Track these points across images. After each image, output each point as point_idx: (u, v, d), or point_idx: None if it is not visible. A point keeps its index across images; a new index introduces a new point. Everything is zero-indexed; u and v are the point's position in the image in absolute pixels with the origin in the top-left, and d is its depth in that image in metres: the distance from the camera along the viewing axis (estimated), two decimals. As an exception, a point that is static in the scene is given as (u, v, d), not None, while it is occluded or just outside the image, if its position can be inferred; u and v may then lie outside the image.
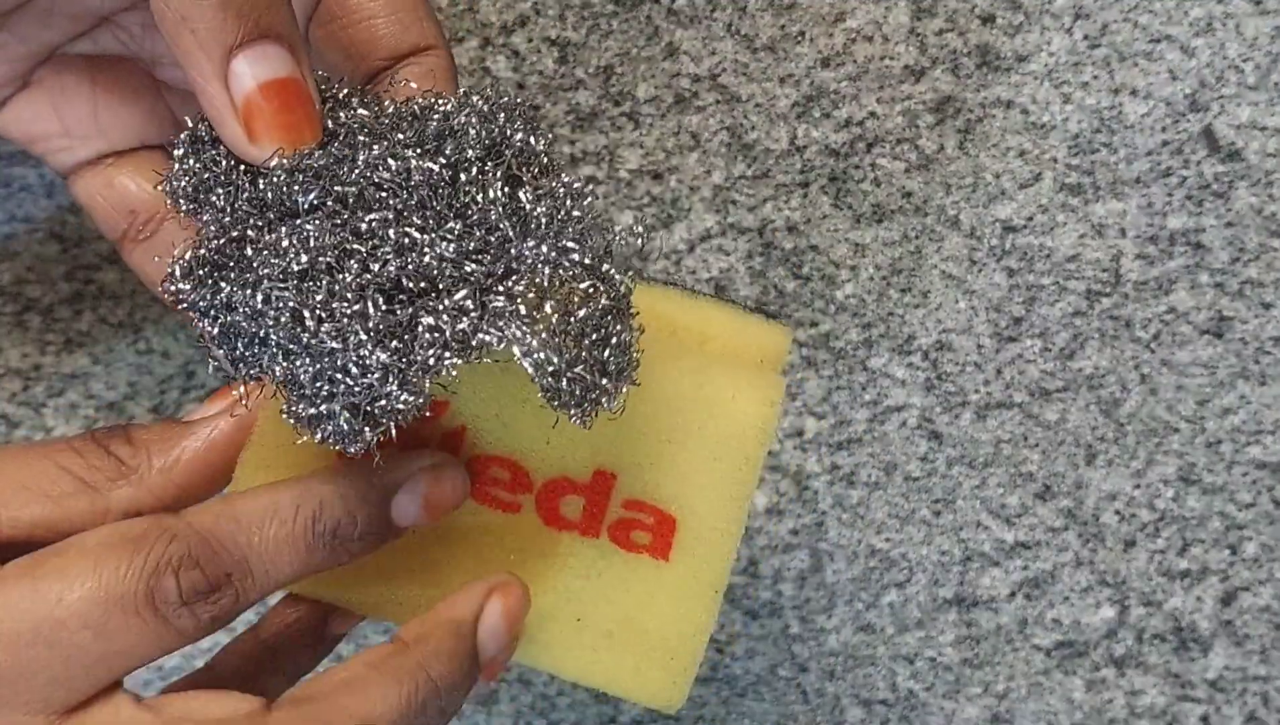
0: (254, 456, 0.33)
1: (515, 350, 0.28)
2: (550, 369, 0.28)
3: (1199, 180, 0.46)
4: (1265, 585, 0.50)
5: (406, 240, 0.29)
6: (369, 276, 0.28)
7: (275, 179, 0.29)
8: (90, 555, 0.28)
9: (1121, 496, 0.49)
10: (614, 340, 0.29)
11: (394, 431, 0.28)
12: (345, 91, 0.31)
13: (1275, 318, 0.47)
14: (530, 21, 0.45)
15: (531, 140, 0.30)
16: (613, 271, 0.30)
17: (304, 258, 0.28)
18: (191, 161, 0.30)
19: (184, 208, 0.30)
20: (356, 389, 0.28)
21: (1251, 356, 0.48)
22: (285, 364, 0.28)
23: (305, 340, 0.28)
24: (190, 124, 0.31)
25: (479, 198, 0.29)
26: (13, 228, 0.46)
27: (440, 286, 0.29)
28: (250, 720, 0.28)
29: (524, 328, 0.28)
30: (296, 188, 0.29)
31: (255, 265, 0.29)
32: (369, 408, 0.28)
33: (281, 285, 0.28)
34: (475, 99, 0.31)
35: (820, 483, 0.49)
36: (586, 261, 0.29)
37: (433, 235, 0.29)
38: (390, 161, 0.29)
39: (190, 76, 0.29)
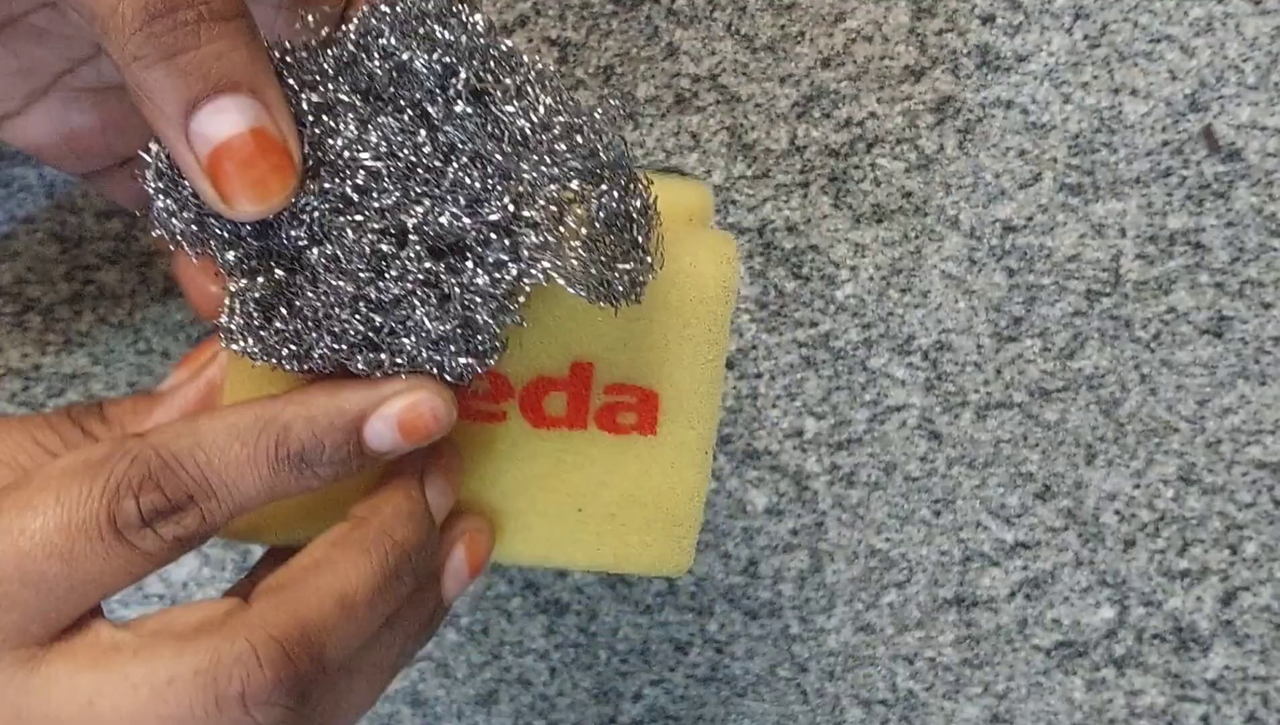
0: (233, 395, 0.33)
1: (560, 282, 0.29)
2: (595, 283, 0.29)
3: (1199, 180, 0.46)
4: (1265, 585, 0.50)
5: (421, 211, 0.29)
6: (410, 269, 0.29)
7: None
8: (52, 484, 0.27)
9: (1121, 496, 0.49)
10: (634, 216, 0.30)
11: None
12: (297, 54, 0.30)
13: (1275, 317, 0.47)
14: (530, 21, 0.45)
15: (464, 37, 0.29)
16: (613, 158, 0.30)
17: (349, 287, 0.29)
18: (170, 201, 0.30)
19: (190, 252, 0.30)
20: (428, 366, 0.30)
21: (1251, 356, 0.48)
22: (364, 357, 0.30)
23: (378, 341, 0.29)
24: (150, 160, 0.30)
25: (457, 130, 0.29)
26: (12, 228, 0.46)
27: (469, 240, 0.29)
28: (229, 618, 0.28)
29: (558, 258, 0.29)
30: (289, 226, 0.30)
31: (306, 306, 0.30)
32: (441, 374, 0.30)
33: (343, 314, 0.29)
34: (380, 12, 0.30)
35: (820, 483, 0.49)
36: (586, 163, 0.29)
37: (437, 192, 0.29)
38: (369, 140, 0.29)
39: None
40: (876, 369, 0.48)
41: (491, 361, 0.31)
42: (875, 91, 0.45)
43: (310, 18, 0.31)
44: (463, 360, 0.30)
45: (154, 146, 0.30)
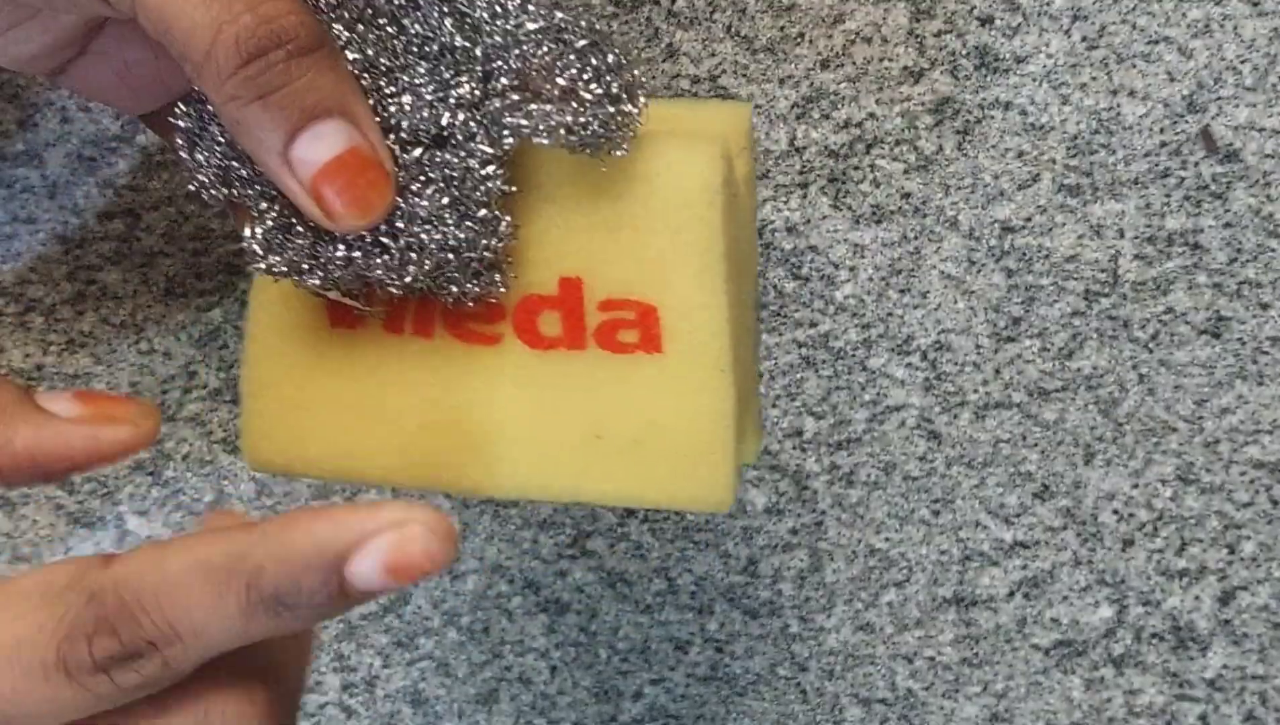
0: (264, 336, 0.34)
1: (537, 138, 0.31)
2: (564, 129, 0.31)
3: (1197, 181, 0.46)
4: (1263, 584, 0.50)
5: (403, 105, 0.31)
6: (403, 161, 0.31)
7: None
8: (11, 602, 0.26)
9: (1120, 496, 0.49)
10: (605, 68, 0.31)
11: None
12: None
13: (1273, 318, 0.47)
14: (530, 23, 0.45)
15: None
16: (569, 18, 0.32)
17: None
18: (199, 156, 0.32)
19: (219, 196, 0.33)
20: (448, 256, 0.32)
21: (1249, 356, 0.48)
22: (381, 261, 0.32)
23: (387, 240, 0.32)
24: (180, 121, 0.33)
25: (424, 28, 0.32)
26: (15, 229, 0.46)
27: (448, 124, 0.31)
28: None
29: (530, 117, 0.31)
30: None
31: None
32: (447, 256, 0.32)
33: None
34: None
35: (819, 482, 0.49)
36: (539, 24, 0.31)
37: (416, 86, 0.31)
38: (352, 48, 0.32)
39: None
40: (876, 369, 0.48)
41: (503, 240, 0.32)
42: (874, 93, 0.46)
43: None
44: (481, 242, 0.32)
45: (180, 107, 0.32)
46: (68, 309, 0.47)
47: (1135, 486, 0.49)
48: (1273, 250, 0.47)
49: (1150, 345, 0.48)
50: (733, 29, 0.45)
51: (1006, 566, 0.50)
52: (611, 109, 0.31)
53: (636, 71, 0.32)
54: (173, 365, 0.47)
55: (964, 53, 0.45)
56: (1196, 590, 0.50)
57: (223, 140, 0.32)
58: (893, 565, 0.50)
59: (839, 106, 0.46)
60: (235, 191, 0.32)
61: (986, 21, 0.45)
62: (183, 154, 0.32)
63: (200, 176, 0.32)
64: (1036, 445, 0.49)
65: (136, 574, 0.26)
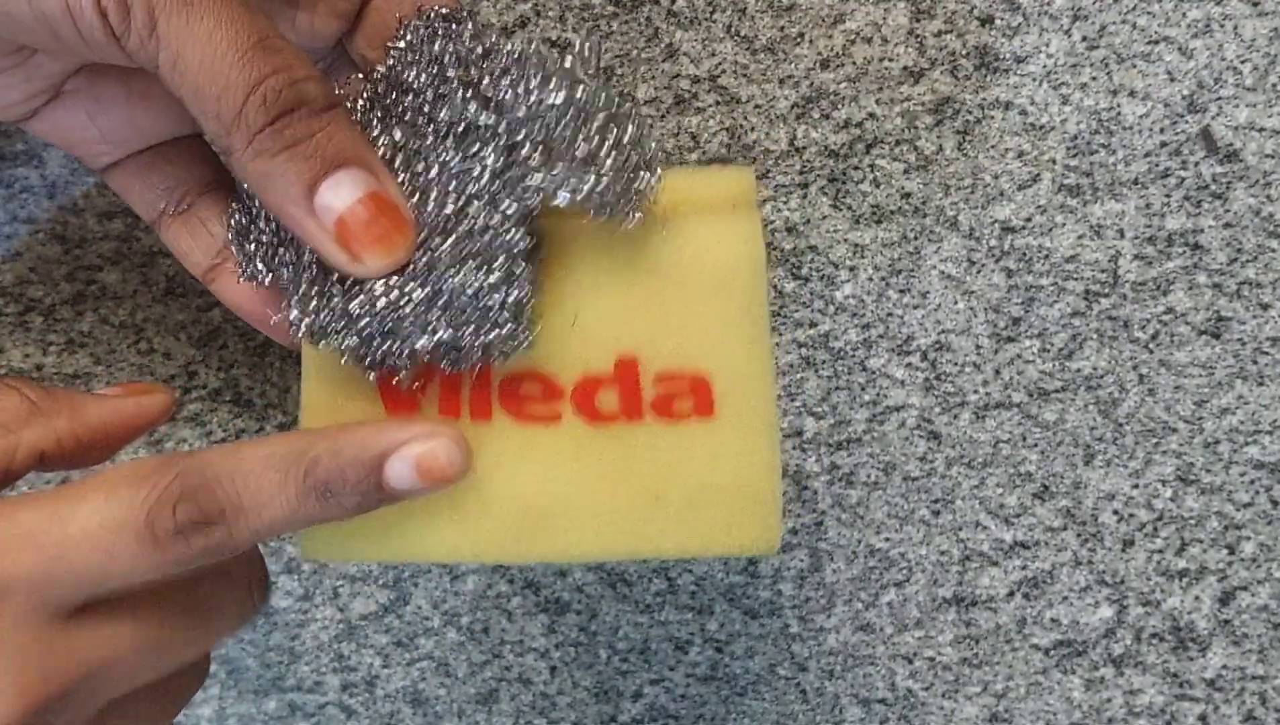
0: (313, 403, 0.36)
1: (558, 197, 0.33)
2: (584, 191, 0.33)
3: (1197, 181, 0.46)
4: (1263, 585, 0.50)
5: (434, 173, 0.34)
6: (467, 240, 0.33)
7: None
8: (104, 486, 0.31)
9: (1120, 496, 0.49)
10: (625, 141, 0.34)
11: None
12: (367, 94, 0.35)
13: (1273, 318, 0.47)
14: (531, 23, 0.45)
15: (460, 48, 0.34)
16: (592, 89, 0.34)
17: (424, 290, 0.34)
18: (249, 246, 0.35)
19: (265, 284, 0.35)
20: (474, 317, 0.33)
21: (1249, 357, 0.48)
22: (425, 339, 0.33)
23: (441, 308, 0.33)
24: (229, 218, 0.36)
25: (454, 116, 0.34)
26: (14, 229, 0.46)
27: (473, 189, 0.33)
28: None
29: (551, 175, 0.33)
30: None
31: (370, 312, 0.34)
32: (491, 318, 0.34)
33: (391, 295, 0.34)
34: (406, 42, 0.35)
35: (819, 483, 0.49)
36: (561, 98, 0.33)
37: (444, 159, 0.34)
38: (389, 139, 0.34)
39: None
40: (876, 369, 0.48)
41: (525, 292, 0.33)
42: (874, 93, 0.46)
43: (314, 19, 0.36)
44: (502, 290, 0.33)
45: (233, 205, 0.35)
46: (68, 309, 0.47)
47: (1135, 487, 0.49)
48: (1273, 250, 0.47)
49: (1150, 345, 0.48)
50: (733, 29, 0.45)
51: (1006, 566, 0.50)
52: (629, 177, 0.33)
53: (654, 144, 0.34)
54: (173, 365, 0.47)
55: (964, 53, 0.45)
56: (1196, 590, 0.50)
57: (269, 229, 0.35)
58: (893, 565, 0.50)
59: (839, 106, 0.46)
60: (283, 274, 0.34)
61: (986, 21, 0.45)
62: (234, 247, 0.35)
63: (251, 266, 0.35)
64: (1036, 445, 0.49)
65: (215, 458, 0.31)
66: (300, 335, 0.34)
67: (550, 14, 0.45)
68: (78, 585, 0.30)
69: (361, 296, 0.33)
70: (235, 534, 0.31)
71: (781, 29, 0.45)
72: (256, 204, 0.35)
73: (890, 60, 0.45)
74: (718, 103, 0.46)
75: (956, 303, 0.47)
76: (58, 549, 0.30)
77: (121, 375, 0.47)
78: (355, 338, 0.34)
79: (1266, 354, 0.48)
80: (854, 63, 0.45)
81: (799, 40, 0.45)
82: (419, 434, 0.33)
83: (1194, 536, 0.49)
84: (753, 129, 0.46)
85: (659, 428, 0.35)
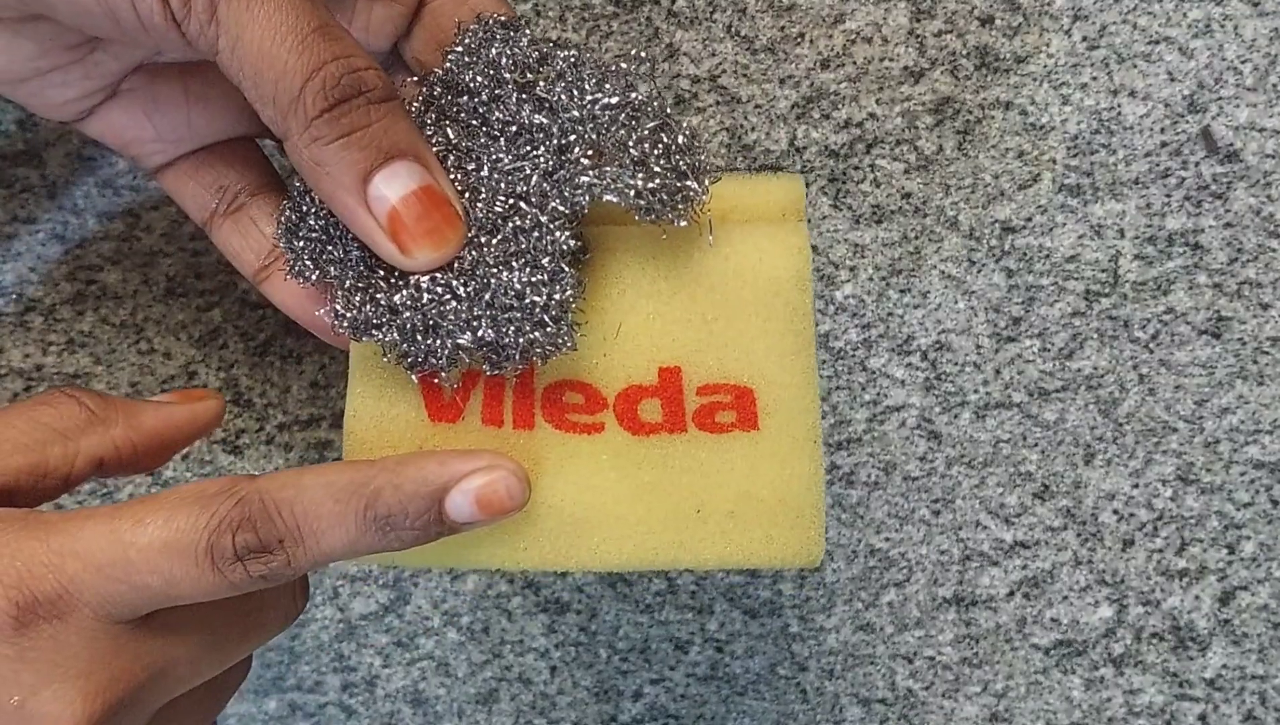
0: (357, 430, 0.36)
1: (607, 195, 0.33)
2: (633, 191, 0.33)
3: (1197, 181, 0.46)
4: (1263, 584, 0.50)
5: (485, 172, 0.34)
6: (509, 239, 0.33)
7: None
8: (165, 507, 0.31)
9: (1120, 496, 0.49)
10: (676, 147, 0.34)
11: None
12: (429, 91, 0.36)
13: (1273, 318, 0.47)
14: (531, 23, 0.45)
15: (517, 52, 0.35)
16: (645, 94, 0.34)
17: (469, 286, 0.34)
18: (298, 242, 0.35)
19: (314, 282, 0.35)
20: (520, 315, 0.33)
21: (1250, 356, 0.48)
22: (468, 335, 0.33)
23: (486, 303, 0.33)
24: (280, 219, 0.35)
25: (508, 117, 0.34)
26: (15, 228, 0.46)
27: (523, 189, 0.34)
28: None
29: (601, 173, 0.33)
30: None
31: (413, 309, 0.34)
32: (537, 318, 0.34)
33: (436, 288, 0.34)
34: (464, 44, 0.36)
35: (820, 482, 0.49)
36: (616, 100, 0.34)
37: (496, 158, 0.34)
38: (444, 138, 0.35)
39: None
40: (876, 369, 0.48)
41: (570, 292, 0.33)
42: (874, 93, 0.46)
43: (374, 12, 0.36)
44: (545, 291, 0.33)
45: (285, 203, 0.35)
46: (68, 309, 0.47)
47: (1135, 486, 0.49)
48: (1273, 250, 0.47)
49: (1150, 345, 0.48)
50: (733, 29, 0.45)
51: (1006, 566, 0.50)
52: (678, 184, 0.34)
53: (704, 155, 0.35)
54: (173, 365, 0.47)
55: (964, 52, 0.45)
56: (1196, 590, 0.50)
57: (318, 226, 0.34)
58: (893, 565, 0.50)
59: (839, 106, 0.46)
60: (330, 271, 0.35)
61: (986, 21, 0.45)
62: (282, 243, 0.35)
63: (299, 263, 0.35)
64: (1036, 445, 0.49)
65: (277, 486, 0.32)
66: (343, 328, 0.34)
67: (550, 14, 0.45)
68: (138, 604, 0.31)
69: (406, 291, 0.33)
70: (294, 562, 0.32)
71: (782, 29, 0.45)
72: (307, 201, 0.35)
73: (890, 60, 0.45)
74: (718, 103, 0.46)
75: (957, 302, 0.47)
76: (120, 572, 0.30)
77: (122, 375, 0.47)
78: (397, 333, 0.34)
79: (1267, 354, 0.48)
80: (854, 63, 0.45)
81: (799, 40, 0.45)
82: (480, 467, 0.33)
83: (1194, 536, 0.49)
84: (753, 129, 0.46)
85: (702, 439, 0.35)
